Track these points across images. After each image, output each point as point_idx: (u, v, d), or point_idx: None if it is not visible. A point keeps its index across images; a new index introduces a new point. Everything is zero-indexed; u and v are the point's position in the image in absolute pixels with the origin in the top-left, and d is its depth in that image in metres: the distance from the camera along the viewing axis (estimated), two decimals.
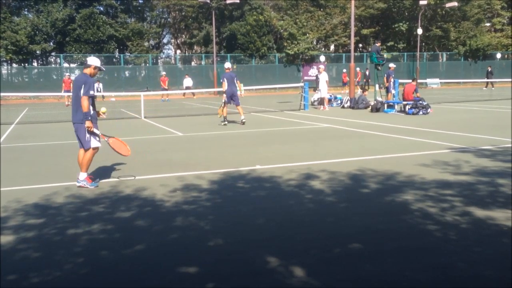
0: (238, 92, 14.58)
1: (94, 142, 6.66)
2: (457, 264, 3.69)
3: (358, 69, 32.42)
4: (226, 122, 14.33)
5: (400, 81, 21.05)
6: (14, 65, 39.57)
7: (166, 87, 31.01)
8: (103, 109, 7.22)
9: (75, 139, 6.81)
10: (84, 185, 6.49)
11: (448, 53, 49.34)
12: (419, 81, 40.04)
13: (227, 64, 14.95)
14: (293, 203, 5.57)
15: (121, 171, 7.60)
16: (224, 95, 14.37)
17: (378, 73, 20.30)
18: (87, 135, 6.59)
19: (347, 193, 5.92)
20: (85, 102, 6.45)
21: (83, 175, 6.55)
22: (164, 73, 33.70)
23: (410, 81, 18.12)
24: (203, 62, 43.85)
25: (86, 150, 6.66)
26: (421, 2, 39.93)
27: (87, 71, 6.70)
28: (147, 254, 4.06)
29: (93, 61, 6.73)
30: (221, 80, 14.58)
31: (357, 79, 32.26)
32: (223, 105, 14.39)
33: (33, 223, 4.93)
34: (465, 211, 5.01)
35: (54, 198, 5.94)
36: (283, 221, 4.90)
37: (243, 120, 14.40)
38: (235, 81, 14.39)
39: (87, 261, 3.90)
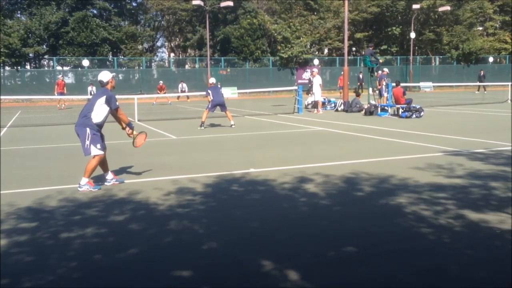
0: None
1: (94, 150, 6.61)
2: (451, 267, 3.71)
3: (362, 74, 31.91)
4: (203, 127, 14.46)
5: (394, 84, 21.14)
6: (7, 68, 39.39)
7: (163, 93, 31.06)
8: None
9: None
10: (87, 189, 6.44)
11: (441, 56, 49.66)
12: (412, 84, 40.31)
13: (212, 79, 15.35)
14: (287, 206, 5.57)
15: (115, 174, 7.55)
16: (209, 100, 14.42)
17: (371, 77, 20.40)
18: (87, 142, 6.57)
19: (341, 196, 5.93)
20: (122, 114, 6.93)
21: (84, 180, 6.49)
22: (161, 82, 33.43)
23: (394, 85, 18.23)
24: (197, 65, 43.84)
25: (92, 157, 6.63)
26: (414, 6, 40.19)
27: (108, 87, 6.88)
28: (141, 257, 4.04)
29: (106, 76, 6.84)
30: (206, 95, 14.65)
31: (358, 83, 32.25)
32: (206, 109, 14.63)
33: (25, 227, 4.90)
34: (458, 214, 5.04)
35: (47, 202, 5.90)
36: (277, 225, 4.90)
37: (232, 126, 14.49)
38: (220, 91, 15.06)
39: (80, 265, 3.88)
